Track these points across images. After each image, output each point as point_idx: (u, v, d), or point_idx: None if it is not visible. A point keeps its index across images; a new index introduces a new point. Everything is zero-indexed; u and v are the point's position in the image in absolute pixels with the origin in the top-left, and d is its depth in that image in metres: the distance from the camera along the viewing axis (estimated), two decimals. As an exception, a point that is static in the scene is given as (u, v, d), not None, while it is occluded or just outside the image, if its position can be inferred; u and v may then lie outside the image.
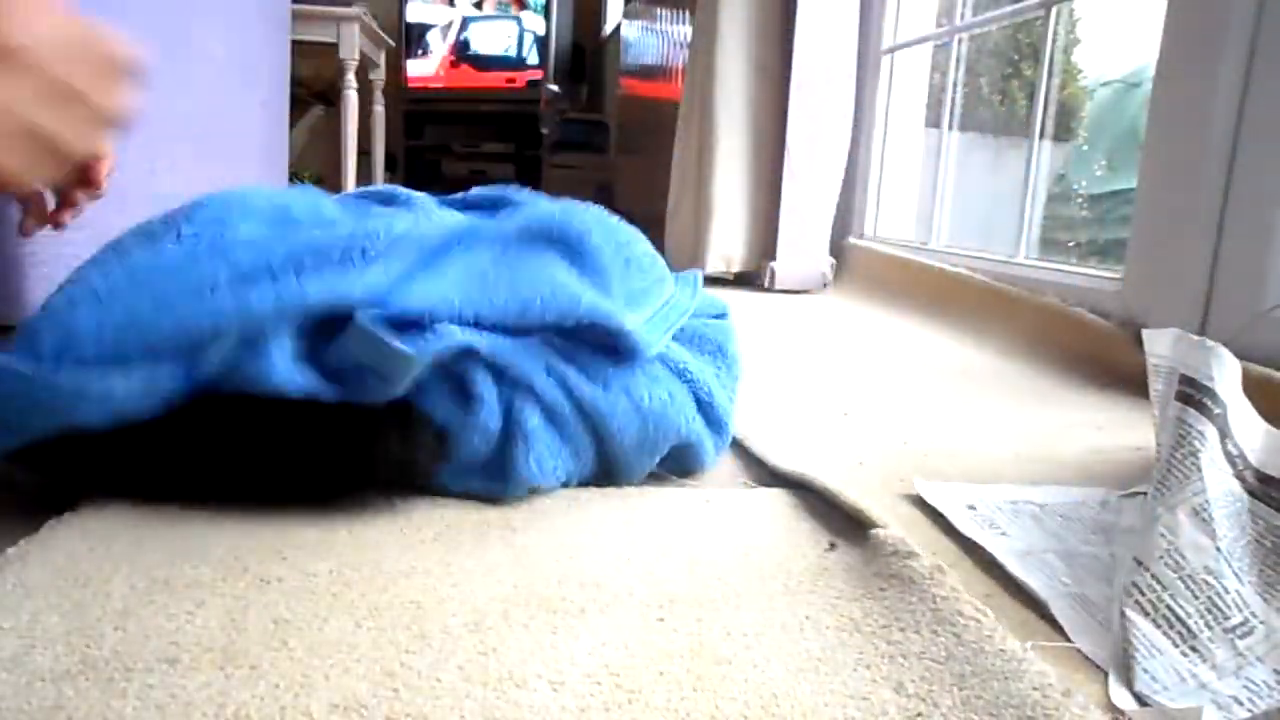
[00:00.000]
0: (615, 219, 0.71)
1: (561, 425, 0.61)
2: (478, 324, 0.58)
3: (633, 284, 0.67)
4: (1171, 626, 0.44)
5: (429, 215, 0.65)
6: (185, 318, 0.53)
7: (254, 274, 0.54)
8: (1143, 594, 0.46)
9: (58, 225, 0.65)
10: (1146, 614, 0.45)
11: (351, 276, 0.56)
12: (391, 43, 3.30)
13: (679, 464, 0.67)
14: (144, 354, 0.53)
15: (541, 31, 4.24)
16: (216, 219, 0.59)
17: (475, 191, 0.76)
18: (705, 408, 0.67)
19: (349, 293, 0.55)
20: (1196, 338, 0.56)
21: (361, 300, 0.55)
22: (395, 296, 0.56)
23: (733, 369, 0.72)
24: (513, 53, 4.28)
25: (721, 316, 0.77)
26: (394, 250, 0.58)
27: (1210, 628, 0.44)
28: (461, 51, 4.33)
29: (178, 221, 0.59)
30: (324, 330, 0.57)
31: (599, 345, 0.62)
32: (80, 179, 0.63)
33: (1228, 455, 0.52)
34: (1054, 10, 1.50)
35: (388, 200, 0.70)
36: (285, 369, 0.55)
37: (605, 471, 0.64)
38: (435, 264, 0.59)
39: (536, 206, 0.73)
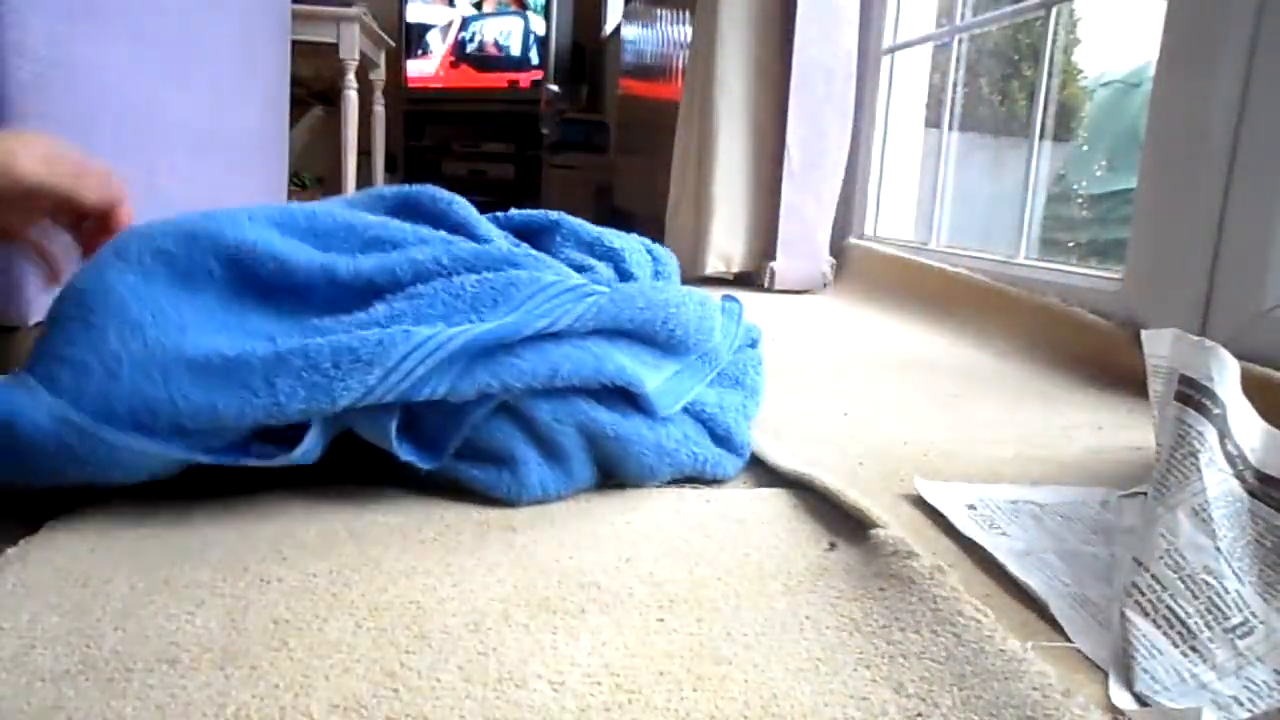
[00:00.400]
0: (668, 285, 0.71)
1: (560, 458, 0.61)
2: (504, 389, 0.58)
3: (669, 347, 0.67)
4: (1171, 626, 0.44)
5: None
6: (217, 406, 0.52)
7: (289, 358, 0.54)
8: (1143, 594, 0.46)
9: None
10: (1146, 614, 0.45)
11: (376, 376, 0.55)
12: (391, 43, 3.30)
13: (694, 481, 0.67)
14: (173, 431, 0.53)
15: (541, 31, 4.24)
16: (250, 263, 0.59)
17: (518, 216, 0.76)
18: (722, 441, 0.68)
19: (378, 400, 0.55)
20: (1196, 338, 0.56)
21: (385, 399, 0.55)
22: (421, 391, 0.56)
23: (754, 396, 0.74)
24: (513, 53, 4.28)
25: (753, 345, 0.78)
26: (431, 355, 0.57)
27: (1210, 628, 0.44)
28: (461, 51, 4.33)
29: (207, 261, 0.58)
30: None
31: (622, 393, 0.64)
32: (101, 227, 0.63)
33: (1227, 455, 0.52)
34: (1054, 10, 1.50)
35: (430, 218, 0.69)
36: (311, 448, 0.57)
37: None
38: (469, 364, 0.58)
39: (581, 232, 0.73)
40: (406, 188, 0.71)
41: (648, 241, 0.80)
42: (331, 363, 0.54)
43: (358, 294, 0.60)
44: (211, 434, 0.53)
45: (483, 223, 0.70)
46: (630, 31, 3.44)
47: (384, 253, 0.63)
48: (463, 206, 0.70)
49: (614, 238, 0.75)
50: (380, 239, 0.64)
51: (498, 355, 0.58)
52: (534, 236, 0.74)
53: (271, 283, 0.59)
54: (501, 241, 0.70)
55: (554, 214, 0.75)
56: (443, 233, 0.67)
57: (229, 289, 0.59)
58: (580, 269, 0.70)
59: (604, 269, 0.71)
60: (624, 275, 0.73)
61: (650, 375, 0.64)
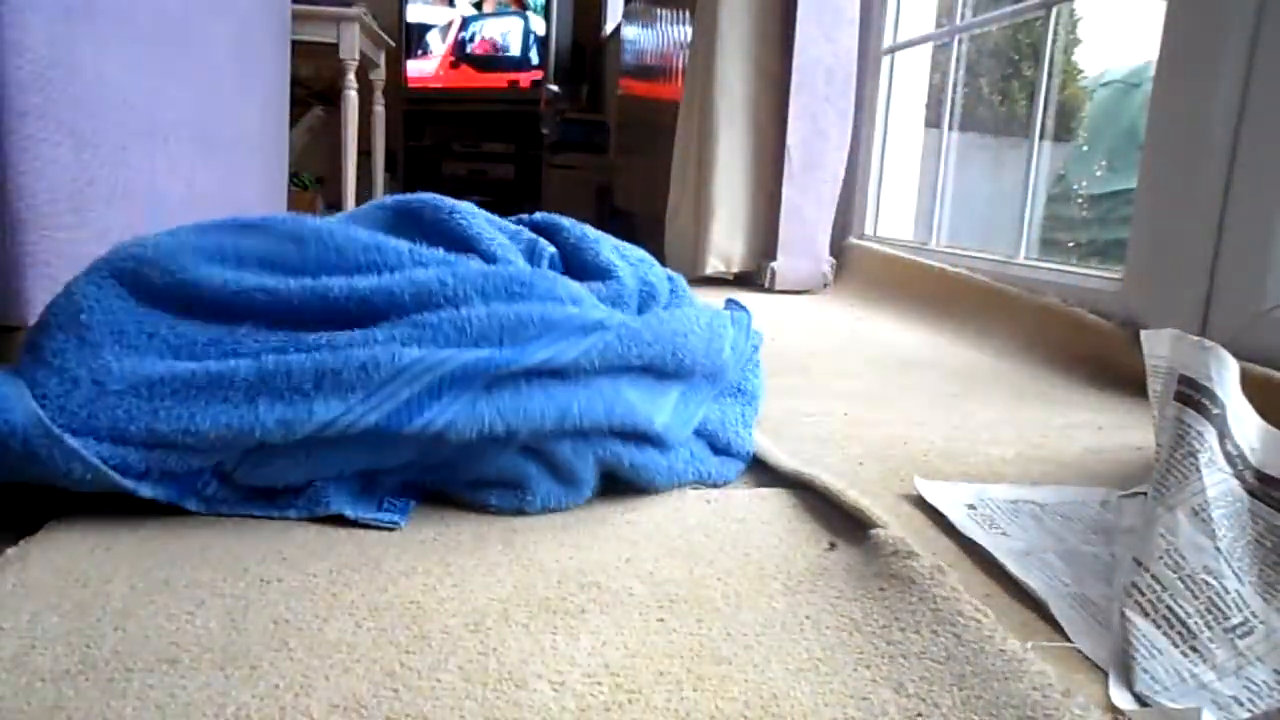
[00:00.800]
0: (678, 310, 0.70)
1: (575, 483, 0.61)
2: (509, 433, 0.57)
3: (677, 375, 0.66)
4: (1171, 626, 0.44)
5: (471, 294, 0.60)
6: (195, 418, 0.53)
7: (270, 376, 0.54)
8: (1143, 594, 0.46)
9: None
10: (1146, 614, 0.45)
11: (358, 396, 0.54)
12: (391, 43, 3.30)
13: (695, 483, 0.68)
14: (150, 443, 0.53)
15: (541, 31, 4.24)
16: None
17: (541, 218, 0.73)
18: (723, 450, 0.69)
19: (356, 421, 0.54)
20: (1195, 338, 0.56)
21: (366, 421, 0.54)
22: (413, 420, 0.55)
23: (754, 402, 0.75)
24: (513, 53, 4.29)
25: (754, 349, 0.79)
26: (418, 378, 0.55)
27: (1210, 628, 0.44)
28: (461, 51, 4.33)
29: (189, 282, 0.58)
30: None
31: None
32: None
33: (1227, 455, 0.52)
34: (1054, 10, 1.50)
35: (441, 236, 0.65)
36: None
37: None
38: (473, 400, 0.56)
39: (590, 242, 0.71)
40: (405, 198, 0.67)
41: (666, 270, 0.79)
42: (313, 381, 0.53)
43: (354, 317, 0.58)
44: (187, 451, 0.53)
45: (486, 233, 0.65)
46: (630, 31, 3.44)
47: (379, 274, 0.60)
48: (465, 216, 0.65)
49: (637, 253, 0.74)
50: (375, 264, 0.61)
51: (503, 393, 0.56)
52: (555, 235, 0.72)
53: (264, 310, 0.58)
54: (515, 257, 0.66)
55: (564, 223, 0.72)
56: (441, 251, 0.63)
57: (223, 313, 0.58)
58: (608, 272, 0.68)
59: (629, 275, 0.69)
60: (644, 284, 0.71)
61: (660, 409, 0.63)
